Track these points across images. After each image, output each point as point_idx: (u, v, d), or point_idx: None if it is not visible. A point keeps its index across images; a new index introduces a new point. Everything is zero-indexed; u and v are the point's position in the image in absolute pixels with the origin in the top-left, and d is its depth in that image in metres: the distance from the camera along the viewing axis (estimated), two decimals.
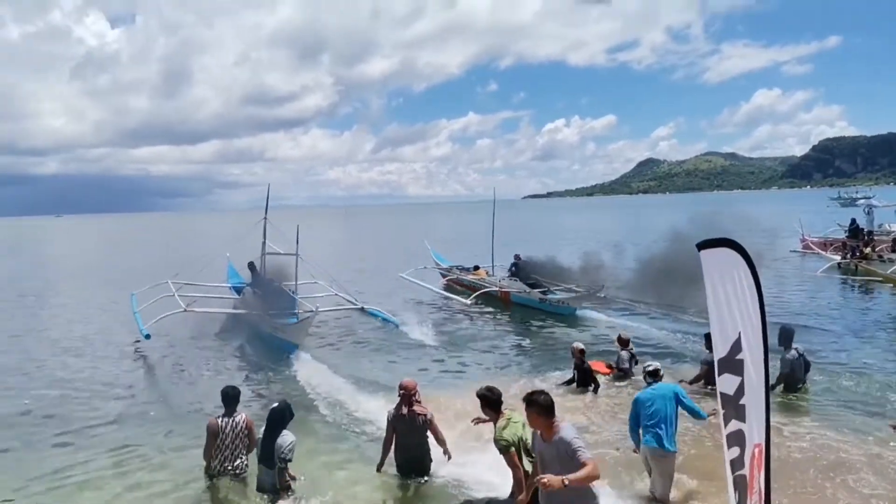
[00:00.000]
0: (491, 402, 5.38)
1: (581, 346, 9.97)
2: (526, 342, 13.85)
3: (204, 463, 6.56)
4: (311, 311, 13.23)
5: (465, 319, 16.62)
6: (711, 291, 3.84)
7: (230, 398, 6.46)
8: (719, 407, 3.92)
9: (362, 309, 15.64)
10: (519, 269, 18.58)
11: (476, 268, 20.86)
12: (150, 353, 13.38)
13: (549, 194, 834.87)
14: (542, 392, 4.68)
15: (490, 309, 17.60)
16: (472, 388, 9.84)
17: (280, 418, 5.79)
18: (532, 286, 17.35)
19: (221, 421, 6.36)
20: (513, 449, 5.07)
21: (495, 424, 5.28)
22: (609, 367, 10.39)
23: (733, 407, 3.78)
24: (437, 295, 19.20)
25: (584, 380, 9.66)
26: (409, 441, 6.33)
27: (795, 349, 9.12)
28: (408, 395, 6.28)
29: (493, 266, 20.41)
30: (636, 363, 10.15)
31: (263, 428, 5.88)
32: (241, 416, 6.40)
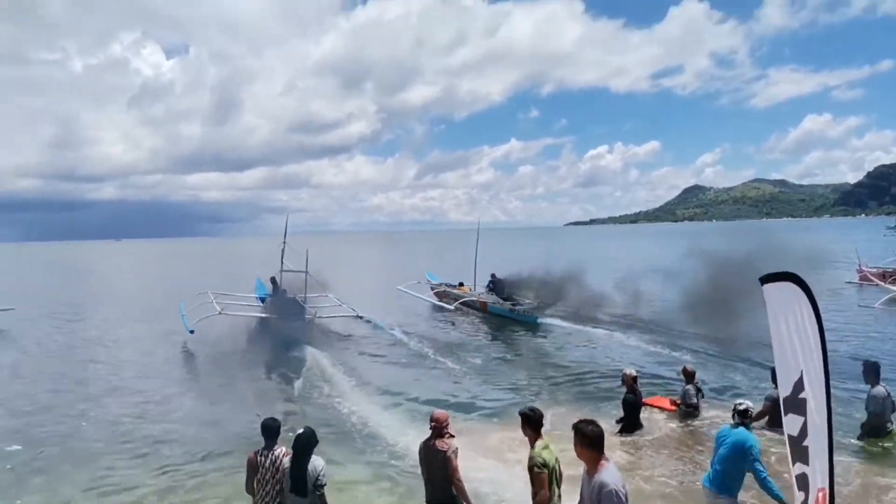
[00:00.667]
0: (532, 421, 5.17)
1: (633, 372, 9.07)
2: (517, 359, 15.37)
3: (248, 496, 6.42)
4: (312, 316, 18.23)
5: (454, 327, 20.11)
6: (774, 327, 3.72)
7: (271, 431, 6.11)
8: (787, 448, 3.76)
9: (360, 316, 19.19)
10: (495, 285, 22.60)
11: (461, 284, 24.89)
12: (195, 364, 15.77)
13: (592, 221, 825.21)
14: (591, 422, 4.41)
15: (472, 316, 21.60)
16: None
17: (307, 444, 5.61)
18: (505, 299, 21.24)
19: (260, 456, 6.07)
20: (546, 470, 4.89)
21: (532, 445, 5.13)
22: (674, 403, 9.76)
23: (798, 449, 3.63)
24: (428, 303, 23.20)
25: (633, 417, 8.92)
26: (431, 477, 5.99)
27: (883, 385, 8.11)
28: (438, 428, 5.90)
29: (475, 284, 24.33)
30: (702, 396, 9.70)
31: (290, 456, 5.71)
32: (280, 449, 6.06)
